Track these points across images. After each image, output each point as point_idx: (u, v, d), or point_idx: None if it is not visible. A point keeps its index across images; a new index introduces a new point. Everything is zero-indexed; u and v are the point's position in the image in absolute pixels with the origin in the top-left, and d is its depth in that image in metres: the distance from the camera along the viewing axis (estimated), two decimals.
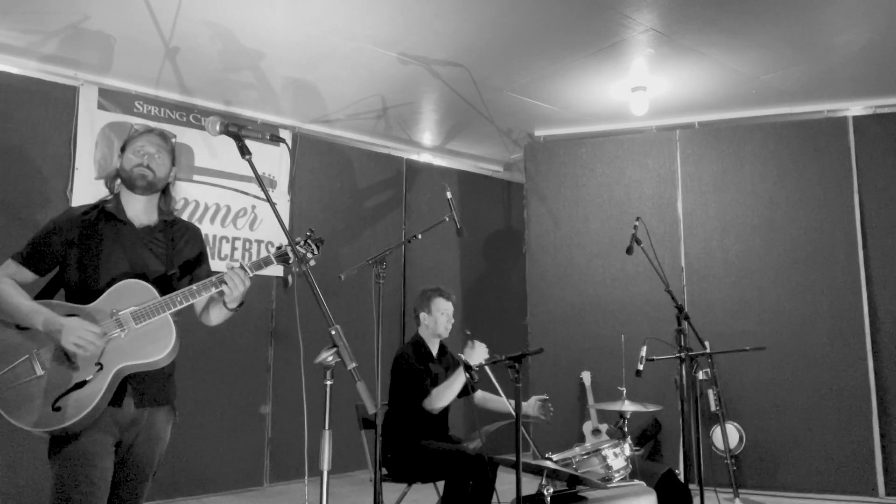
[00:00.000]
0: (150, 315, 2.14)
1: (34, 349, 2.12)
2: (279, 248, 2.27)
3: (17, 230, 4.14)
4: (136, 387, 2.20)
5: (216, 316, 2.40)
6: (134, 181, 2.30)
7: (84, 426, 2.08)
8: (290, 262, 2.18)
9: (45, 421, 2.06)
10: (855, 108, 5.31)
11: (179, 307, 2.18)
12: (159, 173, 2.34)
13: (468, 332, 3.55)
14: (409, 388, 3.53)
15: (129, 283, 2.19)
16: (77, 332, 2.06)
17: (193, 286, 2.20)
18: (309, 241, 2.26)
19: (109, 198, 2.37)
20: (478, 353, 3.47)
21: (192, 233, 2.50)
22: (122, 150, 2.36)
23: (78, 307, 2.17)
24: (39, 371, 2.09)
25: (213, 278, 2.22)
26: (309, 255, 2.18)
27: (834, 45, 4.46)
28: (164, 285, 2.29)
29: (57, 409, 2.05)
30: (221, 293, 2.23)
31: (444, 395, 3.45)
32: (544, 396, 3.62)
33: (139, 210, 2.36)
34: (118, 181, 2.37)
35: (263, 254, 5.40)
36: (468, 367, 3.74)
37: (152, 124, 2.35)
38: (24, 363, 2.10)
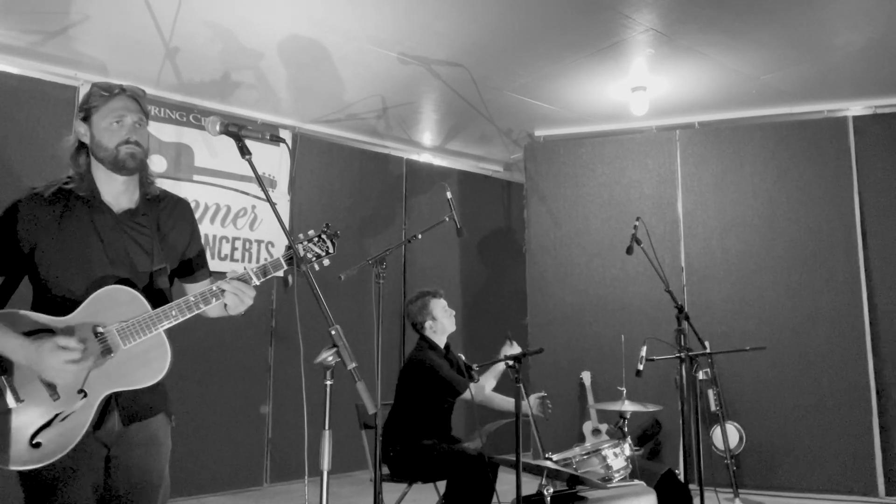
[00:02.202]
0: (141, 333, 1.83)
1: (3, 375, 1.78)
2: (289, 248, 1.98)
3: None
4: (122, 403, 1.90)
5: (215, 313, 2.09)
6: (122, 163, 1.90)
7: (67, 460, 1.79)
8: (301, 264, 1.97)
9: (19, 458, 1.75)
10: (855, 108, 5.31)
11: (174, 322, 1.87)
12: (144, 145, 1.94)
13: (509, 334, 3.73)
14: (435, 390, 3.55)
15: (111, 291, 1.84)
16: (56, 366, 1.73)
17: (191, 297, 1.90)
18: (323, 236, 2.04)
19: (73, 176, 1.95)
20: (513, 350, 3.62)
21: (180, 211, 2.11)
22: (87, 117, 1.92)
23: (52, 320, 1.80)
24: (11, 402, 1.76)
25: (215, 288, 1.92)
26: (322, 254, 2.03)
27: (834, 45, 4.46)
28: (153, 285, 1.98)
29: (36, 446, 1.75)
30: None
31: (494, 401, 3.69)
32: (542, 394, 3.64)
33: (118, 190, 1.97)
34: (84, 154, 1.95)
35: (264, 254, 5.40)
36: (468, 368, 3.76)
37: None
38: None
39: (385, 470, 3.50)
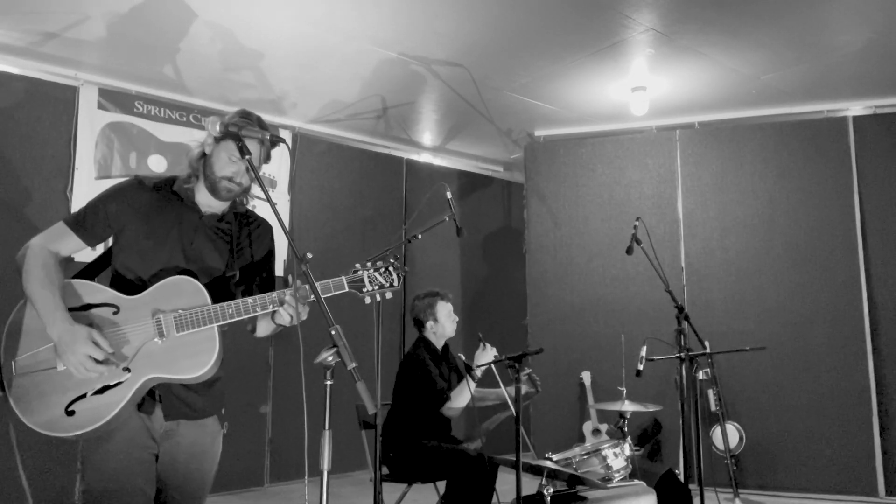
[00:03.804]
0: (195, 325, 1.89)
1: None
2: (355, 271, 2.01)
3: (18, 230, 4.14)
4: (166, 396, 1.95)
5: (263, 329, 2.13)
6: (217, 192, 2.03)
7: (97, 436, 1.85)
8: (364, 290, 1.99)
9: (53, 424, 1.81)
10: (855, 108, 5.31)
11: (230, 321, 1.91)
12: (246, 185, 2.07)
13: (480, 335, 3.62)
14: (425, 392, 3.54)
15: (179, 281, 1.93)
16: (78, 356, 1.79)
17: (249, 300, 1.93)
18: (390, 268, 2.02)
19: (185, 177, 2.05)
20: (486, 356, 3.50)
21: (262, 230, 2.20)
22: (219, 139, 2.01)
23: (118, 297, 1.91)
24: (60, 365, 1.83)
25: (274, 295, 1.95)
26: (386, 285, 2.01)
27: (834, 45, 4.46)
28: (220, 287, 2.03)
29: (70, 414, 1.81)
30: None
31: (459, 399, 3.51)
32: (528, 370, 3.61)
33: (211, 197, 2.07)
34: (202, 161, 2.04)
35: None
36: (469, 368, 3.75)
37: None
38: (48, 350, 1.84)
39: (385, 470, 3.50)
